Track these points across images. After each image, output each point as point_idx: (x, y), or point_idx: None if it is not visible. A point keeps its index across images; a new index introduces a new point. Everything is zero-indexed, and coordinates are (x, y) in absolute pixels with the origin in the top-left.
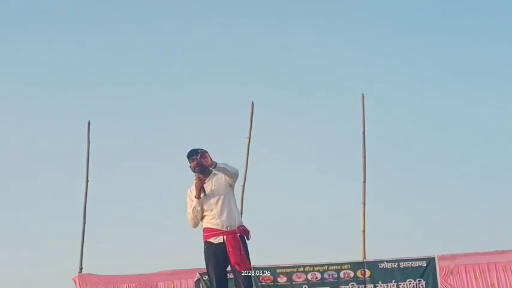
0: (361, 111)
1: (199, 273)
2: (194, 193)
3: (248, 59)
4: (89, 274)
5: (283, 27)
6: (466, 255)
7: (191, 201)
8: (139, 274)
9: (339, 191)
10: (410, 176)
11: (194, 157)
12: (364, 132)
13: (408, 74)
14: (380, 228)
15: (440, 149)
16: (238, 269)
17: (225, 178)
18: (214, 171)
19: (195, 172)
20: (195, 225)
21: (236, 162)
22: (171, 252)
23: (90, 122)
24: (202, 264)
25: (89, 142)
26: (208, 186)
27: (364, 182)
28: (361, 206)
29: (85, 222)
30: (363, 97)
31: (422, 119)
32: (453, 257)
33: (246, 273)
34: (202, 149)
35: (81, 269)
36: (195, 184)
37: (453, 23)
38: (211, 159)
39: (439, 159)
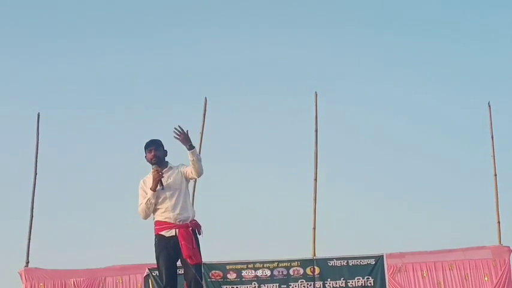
0: (314, 109)
1: (148, 269)
2: (149, 184)
3: (202, 54)
4: (36, 268)
5: (237, 23)
6: (413, 253)
7: (144, 193)
8: (87, 269)
9: (291, 188)
10: (361, 175)
11: (152, 148)
12: (316, 130)
13: (361, 72)
14: (330, 226)
15: (392, 148)
16: (190, 262)
17: (181, 172)
18: (170, 164)
19: (151, 164)
20: (146, 217)
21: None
22: (120, 248)
23: (40, 114)
24: (151, 260)
25: (38, 135)
26: (163, 179)
27: (316, 179)
28: (312, 203)
29: (32, 216)
30: (316, 95)
31: (374, 115)
32: (401, 255)
33: (197, 267)
34: (179, 127)
35: (27, 263)
36: (153, 176)
37: (405, 18)
38: (188, 137)
39: (390, 158)
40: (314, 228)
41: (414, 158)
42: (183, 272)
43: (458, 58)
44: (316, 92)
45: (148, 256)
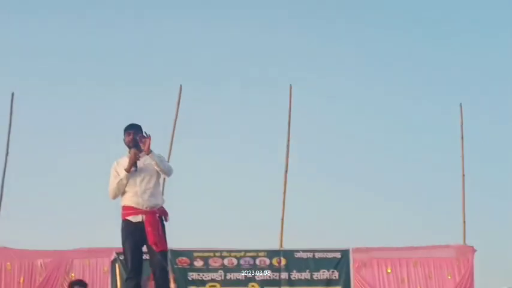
0: (288, 102)
1: (115, 253)
2: (122, 166)
3: (179, 43)
4: (4, 248)
5: (214, 11)
6: (379, 249)
7: (116, 173)
8: (54, 250)
9: (261, 179)
10: (332, 169)
11: (131, 131)
12: (289, 122)
13: (337, 66)
14: (298, 218)
15: (363, 144)
16: (155, 249)
17: (150, 163)
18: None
19: (128, 147)
20: (115, 197)
21: (160, 145)
22: (88, 230)
23: (14, 93)
24: (119, 244)
25: (11, 114)
26: (140, 161)
27: (286, 171)
28: (282, 195)
29: (2, 194)
30: (291, 87)
31: (347, 110)
32: (367, 250)
33: (163, 253)
34: (145, 132)
35: None
36: (130, 157)
37: (384, 17)
38: (149, 146)
39: (361, 154)
40: (282, 220)
41: (385, 155)
42: (148, 258)
43: (430, 58)
44: (290, 85)
45: (116, 240)
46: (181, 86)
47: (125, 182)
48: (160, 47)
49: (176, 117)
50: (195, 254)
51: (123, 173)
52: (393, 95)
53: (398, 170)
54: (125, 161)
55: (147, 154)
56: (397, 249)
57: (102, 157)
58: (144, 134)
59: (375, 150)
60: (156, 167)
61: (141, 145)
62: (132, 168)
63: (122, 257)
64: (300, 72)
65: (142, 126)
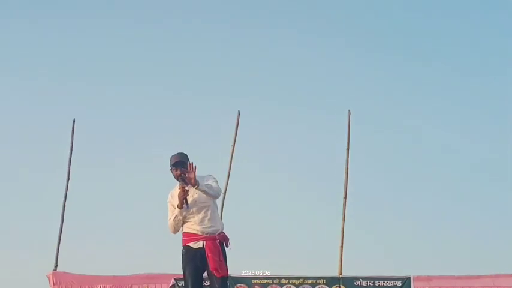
0: (347, 128)
1: (174, 279)
2: (176, 200)
3: (237, 68)
4: (64, 272)
5: (273, 38)
6: (441, 277)
7: (172, 207)
8: (114, 276)
9: (320, 205)
10: (392, 195)
11: (178, 167)
12: (348, 149)
13: (396, 94)
14: (357, 245)
15: (423, 172)
16: (216, 275)
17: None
18: (196, 178)
19: (177, 180)
20: (175, 231)
21: (219, 170)
22: (147, 256)
23: (75, 120)
24: (177, 270)
25: (72, 140)
26: (191, 193)
27: (345, 198)
28: (341, 221)
29: (63, 220)
30: (349, 113)
31: (407, 139)
32: (428, 278)
33: (223, 280)
34: (190, 163)
35: (56, 266)
36: (178, 195)
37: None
38: (195, 178)
39: (420, 181)
40: (341, 247)
41: (447, 183)
42: (209, 284)
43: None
44: (349, 110)
45: (175, 266)
46: (239, 111)
47: (180, 217)
48: (220, 72)
49: (234, 143)
50: (254, 281)
51: (176, 210)
52: (454, 127)
53: (461, 196)
54: (176, 193)
55: (194, 187)
56: (459, 277)
57: (161, 183)
58: (188, 167)
59: (435, 179)
60: (209, 195)
61: (186, 179)
62: (184, 205)
63: (180, 283)
64: (358, 97)
65: (189, 155)
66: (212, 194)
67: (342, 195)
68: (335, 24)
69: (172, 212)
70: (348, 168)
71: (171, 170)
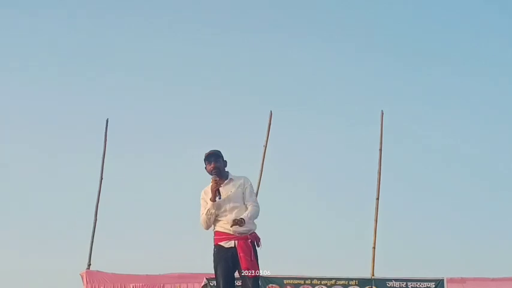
0: (380, 128)
1: (206, 278)
2: (209, 195)
3: (270, 68)
4: (97, 271)
5: (307, 40)
6: (475, 279)
7: (205, 203)
8: (146, 275)
9: (352, 206)
10: (425, 196)
11: (211, 160)
12: (381, 149)
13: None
14: (390, 246)
15: (457, 173)
16: (248, 275)
17: (243, 189)
18: (231, 175)
19: (211, 174)
20: (208, 227)
21: (250, 171)
22: (180, 255)
23: (109, 120)
24: (209, 269)
25: (105, 140)
26: (224, 190)
27: (378, 198)
28: (373, 222)
29: (96, 220)
30: (382, 114)
31: (441, 141)
32: (462, 280)
33: (255, 279)
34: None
35: (89, 265)
36: (211, 187)
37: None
38: (241, 220)
39: (454, 181)
40: (374, 248)
41: (483, 181)
42: (240, 283)
43: None
44: (382, 111)
45: (207, 266)
46: (271, 111)
47: (213, 211)
48: (253, 73)
49: (266, 143)
50: (286, 281)
51: (209, 203)
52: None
53: (496, 198)
54: (209, 189)
55: (239, 225)
56: (494, 279)
57: (194, 183)
58: (216, 155)
59: (468, 179)
60: (240, 183)
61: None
62: (217, 197)
63: (212, 283)
64: (391, 99)
65: (222, 153)
66: (256, 216)
67: (375, 196)
68: (369, 29)
69: (205, 207)
70: (380, 168)
71: (205, 167)
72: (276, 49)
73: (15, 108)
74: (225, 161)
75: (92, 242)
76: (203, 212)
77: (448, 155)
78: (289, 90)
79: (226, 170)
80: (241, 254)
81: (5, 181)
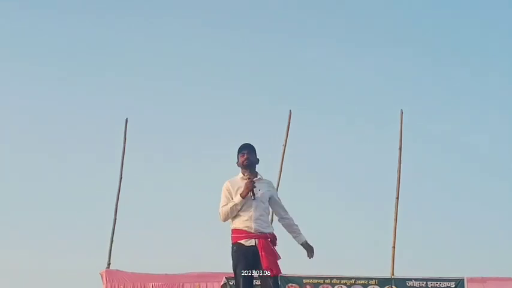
0: (399, 127)
1: (225, 278)
2: (236, 188)
3: (290, 67)
4: (117, 270)
5: (323, 39)
6: (496, 279)
7: (228, 195)
8: (166, 274)
9: (372, 205)
10: (445, 195)
11: (245, 151)
12: (400, 148)
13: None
14: (410, 245)
15: (477, 172)
16: (270, 274)
17: (271, 192)
18: (259, 174)
19: (242, 167)
20: (226, 219)
21: (269, 170)
22: (199, 255)
23: (128, 119)
24: (229, 269)
25: (125, 139)
26: (255, 188)
27: (397, 198)
28: (393, 222)
29: (116, 219)
30: (402, 113)
31: (461, 141)
32: (483, 280)
33: (276, 279)
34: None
35: (109, 264)
36: (246, 183)
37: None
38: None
39: (474, 181)
40: (394, 247)
41: (503, 180)
42: (259, 283)
43: None
44: (401, 110)
45: (226, 265)
46: (290, 111)
47: (239, 207)
48: (272, 72)
49: (286, 142)
50: (305, 281)
51: (237, 198)
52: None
53: None
54: (237, 183)
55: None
56: None
57: (213, 181)
58: (250, 147)
59: (489, 179)
60: (270, 186)
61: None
62: (250, 196)
63: (231, 282)
64: (411, 97)
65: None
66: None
67: (394, 195)
68: (384, 28)
69: (228, 199)
70: (400, 167)
71: (237, 160)
72: (295, 48)
73: (36, 109)
74: (258, 158)
75: (112, 241)
76: (226, 203)
77: (467, 154)
78: (308, 90)
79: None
80: (262, 253)
81: (24, 179)
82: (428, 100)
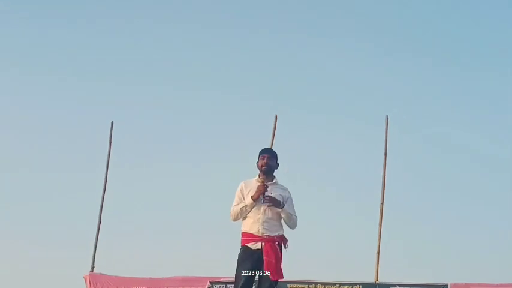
0: (384, 133)
1: (210, 282)
2: (248, 189)
3: (275, 74)
4: (100, 274)
5: (310, 44)
6: (479, 285)
7: (241, 195)
8: (150, 278)
9: (356, 211)
10: (429, 199)
11: (266, 155)
12: (385, 154)
13: (433, 99)
14: (394, 251)
15: (460, 177)
16: (271, 277)
17: (284, 199)
18: (276, 179)
19: (260, 170)
20: (236, 219)
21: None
22: (184, 259)
23: (113, 122)
24: (213, 273)
25: (110, 142)
26: (267, 192)
27: (382, 203)
28: (377, 227)
29: (100, 222)
30: (387, 119)
31: (445, 144)
32: (466, 286)
33: (275, 283)
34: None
35: (92, 268)
36: (258, 187)
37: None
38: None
39: (458, 186)
40: (378, 253)
41: (486, 187)
42: (258, 285)
43: None
44: (387, 116)
45: (211, 269)
46: (276, 115)
47: (249, 209)
48: (258, 76)
49: (271, 146)
50: (289, 286)
51: (248, 199)
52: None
53: (499, 202)
54: (252, 184)
55: (280, 208)
56: (498, 285)
57: (198, 185)
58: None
59: (472, 184)
60: (284, 220)
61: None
62: (261, 200)
63: (216, 286)
64: (396, 103)
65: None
66: (289, 223)
67: (379, 201)
68: (373, 30)
69: (240, 199)
70: (385, 173)
71: (257, 162)
72: (282, 50)
73: (21, 111)
74: (278, 164)
75: (96, 244)
76: (238, 203)
77: (454, 159)
78: (294, 94)
79: (274, 174)
80: (265, 258)
81: (7, 183)
82: (416, 104)
